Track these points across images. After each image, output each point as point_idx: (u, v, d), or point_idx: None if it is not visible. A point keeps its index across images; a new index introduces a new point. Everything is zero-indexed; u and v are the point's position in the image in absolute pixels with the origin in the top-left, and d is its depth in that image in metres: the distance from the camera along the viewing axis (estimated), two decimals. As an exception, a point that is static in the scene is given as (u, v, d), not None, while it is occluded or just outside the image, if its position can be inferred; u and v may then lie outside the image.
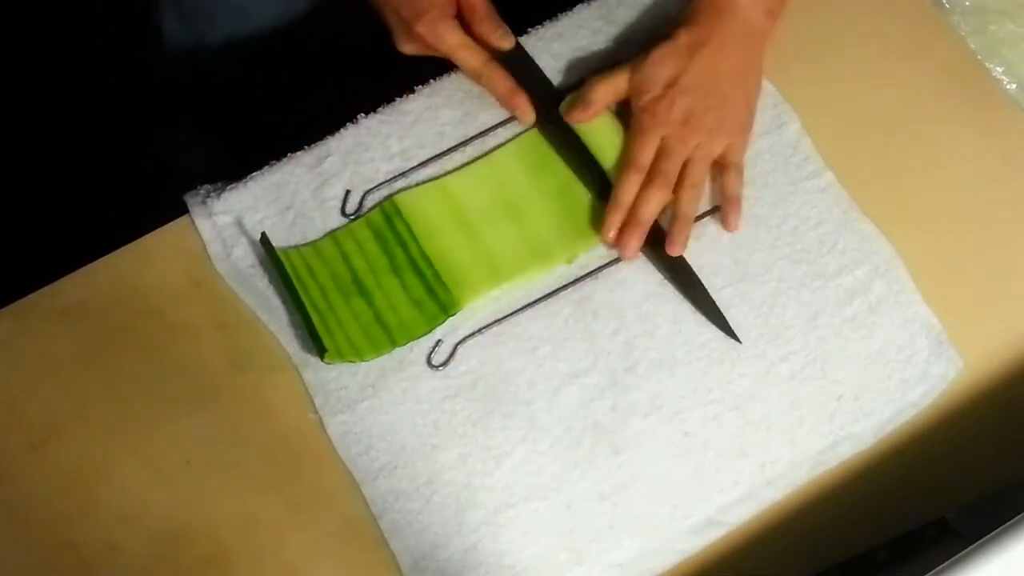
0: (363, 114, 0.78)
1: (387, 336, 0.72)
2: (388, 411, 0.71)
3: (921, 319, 0.74)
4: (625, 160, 0.74)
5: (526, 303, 0.73)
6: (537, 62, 0.79)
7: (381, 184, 0.76)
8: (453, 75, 0.79)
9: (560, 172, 0.76)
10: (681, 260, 0.74)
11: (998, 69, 0.83)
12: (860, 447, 0.72)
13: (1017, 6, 0.85)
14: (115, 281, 0.74)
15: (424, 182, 0.76)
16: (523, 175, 0.76)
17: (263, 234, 0.73)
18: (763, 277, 0.75)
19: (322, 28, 0.90)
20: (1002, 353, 0.74)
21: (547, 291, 0.74)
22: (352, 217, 0.75)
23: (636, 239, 0.73)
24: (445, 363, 0.72)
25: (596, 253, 0.75)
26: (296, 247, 0.74)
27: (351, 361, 0.71)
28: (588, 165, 0.76)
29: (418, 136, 0.78)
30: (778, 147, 0.78)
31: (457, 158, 0.77)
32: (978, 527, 0.56)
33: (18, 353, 0.72)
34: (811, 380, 0.72)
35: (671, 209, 0.74)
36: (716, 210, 0.76)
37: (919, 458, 0.72)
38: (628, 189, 0.73)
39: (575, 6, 0.82)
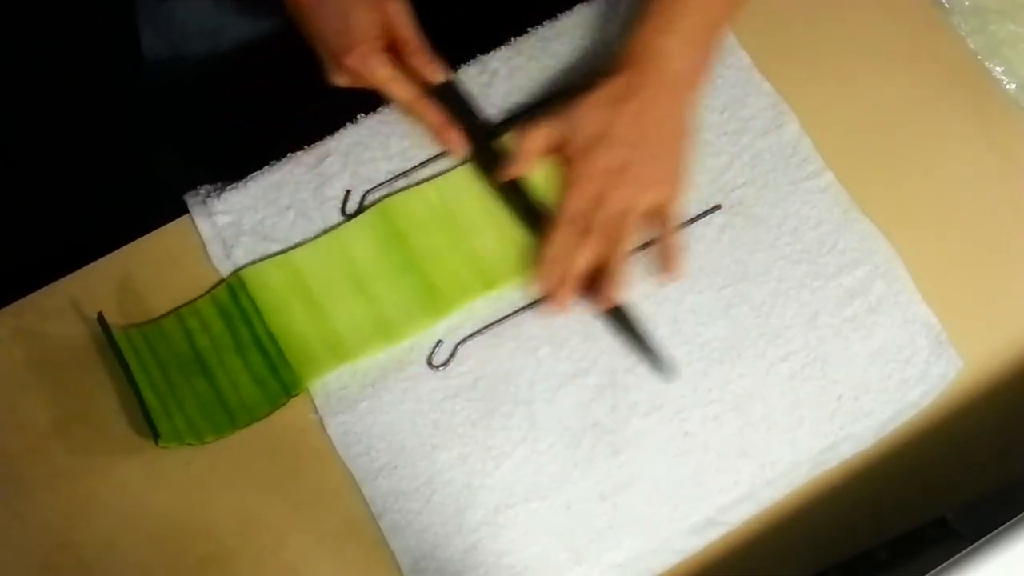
0: (363, 114, 0.78)
1: (228, 417, 0.70)
2: (388, 411, 0.71)
3: (921, 319, 0.74)
4: (558, 213, 0.72)
5: (526, 303, 0.73)
6: (473, 95, 0.77)
7: (382, 184, 0.76)
8: (453, 75, 0.79)
9: (410, 246, 0.74)
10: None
11: (998, 69, 0.83)
12: (860, 447, 0.72)
13: (1017, 6, 0.85)
14: (115, 281, 0.74)
15: (412, 185, 0.75)
16: (372, 249, 0.74)
17: (99, 315, 0.70)
18: (763, 277, 0.74)
19: None
20: (1002, 353, 0.74)
21: (547, 291, 0.74)
22: (351, 216, 0.75)
23: (570, 294, 0.71)
24: (445, 363, 0.72)
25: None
26: (139, 325, 0.72)
27: (190, 443, 0.69)
28: (520, 199, 0.74)
29: (418, 136, 0.77)
30: (778, 147, 0.78)
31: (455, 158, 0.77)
32: (978, 527, 0.56)
33: (18, 353, 0.72)
34: (811, 380, 0.72)
35: (604, 263, 0.72)
36: (717, 208, 0.76)
37: (919, 458, 0.72)
38: (562, 242, 0.71)
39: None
